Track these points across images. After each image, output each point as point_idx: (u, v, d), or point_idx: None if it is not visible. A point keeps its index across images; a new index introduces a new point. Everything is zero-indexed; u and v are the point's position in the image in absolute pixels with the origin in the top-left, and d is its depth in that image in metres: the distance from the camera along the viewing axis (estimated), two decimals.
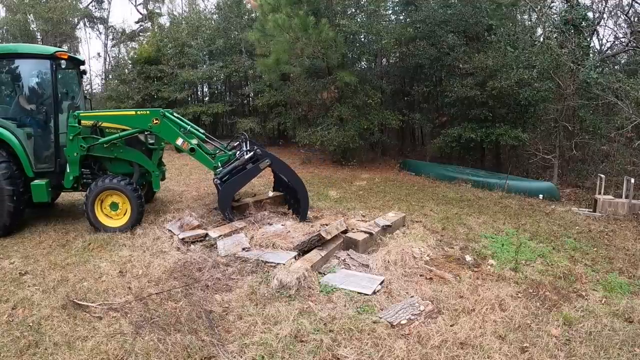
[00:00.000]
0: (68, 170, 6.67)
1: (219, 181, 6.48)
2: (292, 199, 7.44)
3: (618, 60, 14.49)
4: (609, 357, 3.45)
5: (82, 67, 7.60)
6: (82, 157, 6.61)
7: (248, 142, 7.33)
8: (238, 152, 6.72)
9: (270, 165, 6.58)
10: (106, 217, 6.44)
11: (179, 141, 6.56)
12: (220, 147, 7.53)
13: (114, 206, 6.41)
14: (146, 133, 6.89)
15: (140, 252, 5.68)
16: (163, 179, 7.60)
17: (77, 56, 7.49)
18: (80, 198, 7.84)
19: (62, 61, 6.56)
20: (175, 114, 7.32)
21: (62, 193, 7.83)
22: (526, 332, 3.77)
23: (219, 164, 6.77)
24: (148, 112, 6.66)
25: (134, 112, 6.72)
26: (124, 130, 6.64)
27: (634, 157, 11.24)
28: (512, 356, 3.43)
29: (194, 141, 6.96)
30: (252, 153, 6.48)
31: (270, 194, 8.14)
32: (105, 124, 6.63)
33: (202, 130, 7.64)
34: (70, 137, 6.48)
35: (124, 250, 5.70)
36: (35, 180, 6.51)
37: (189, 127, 7.12)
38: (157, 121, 6.46)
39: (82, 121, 6.52)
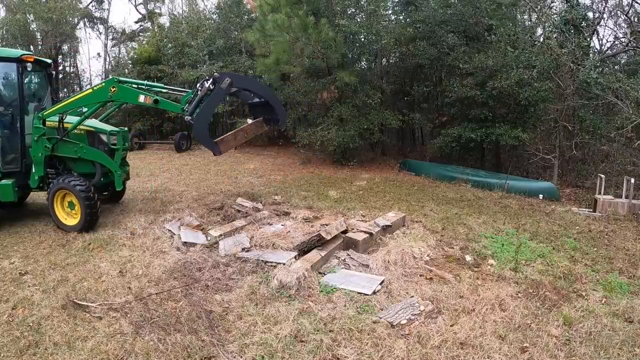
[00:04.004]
0: (34, 171, 6.83)
1: (189, 117, 6.38)
2: (267, 112, 7.27)
3: (618, 60, 14.47)
4: (609, 357, 3.45)
5: (49, 70, 7.68)
6: (47, 157, 6.76)
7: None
8: (199, 85, 6.67)
9: (231, 83, 6.45)
10: (66, 215, 6.60)
11: (141, 98, 6.53)
12: (183, 90, 7.61)
13: (71, 205, 6.53)
14: (110, 131, 7.03)
15: (140, 252, 5.68)
16: (127, 178, 7.68)
17: (43, 59, 7.61)
18: None
19: (28, 64, 6.68)
20: (128, 78, 7.39)
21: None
22: (526, 332, 3.77)
23: (185, 105, 6.65)
24: (103, 84, 6.60)
25: (91, 90, 6.72)
26: (88, 128, 6.86)
27: (634, 157, 11.24)
28: (512, 356, 3.43)
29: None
30: (211, 79, 6.38)
31: (249, 120, 7.85)
32: (68, 125, 6.71)
33: (159, 85, 7.86)
34: (35, 138, 6.63)
35: (124, 250, 5.71)
36: (2, 180, 6.66)
37: (145, 86, 7.26)
38: (114, 89, 6.39)
39: (47, 122, 6.66)
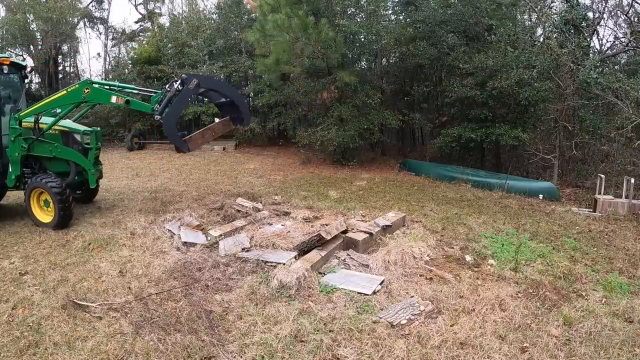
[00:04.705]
0: (10, 170, 7.03)
1: (159, 116, 6.68)
2: (233, 111, 7.61)
3: (618, 60, 14.48)
4: (609, 357, 3.45)
5: (23, 72, 7.77)
6: (23, 157, 6.96)
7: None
8: (168, 86, 7.00)
9: (198, 84, 6.75)
10: (42, 212, 6.79)
11: (114, 99, 6.82)
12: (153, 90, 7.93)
13: (47, 203, 6.73)
14: (83, 131, 7.32)
15: (140, 252, 5.68)
16: (100, 177, 7.90)
17: (19, 61, 7.76)
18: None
19: (4, 67, 6.98)
20: (101, 80, 7.69)
21: None
22: (526, 332, 3.77)
23: (155, 105, 6.91)
24: (77, 85, 6.85)
25: (65, 92, 6.90)
26: (62, 129, 7.11)
27: (634, 157, 11.24)
28: (512, 356, 3.43)
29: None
30: (179, 80, 6.73)
31: (217, 119, 8.24)
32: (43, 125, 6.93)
33: (130, 86, 8.23)
34: (12, 138, 6.84)
35: (124, 250, 5.71)
36: None
37: (117, 87, 7.54)
38: (87, 90, 6.66)
39: (23, 122, 6.84)
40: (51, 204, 6.60)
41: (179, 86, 6.62)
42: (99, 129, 7.69)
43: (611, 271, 5.43)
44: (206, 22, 22.13)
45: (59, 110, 7.02)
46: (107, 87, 7.34)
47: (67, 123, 7.37)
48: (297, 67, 14.43)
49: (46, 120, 6.99)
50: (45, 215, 6.75)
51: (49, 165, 7.18)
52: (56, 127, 6.99)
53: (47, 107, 6.90)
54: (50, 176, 6.78)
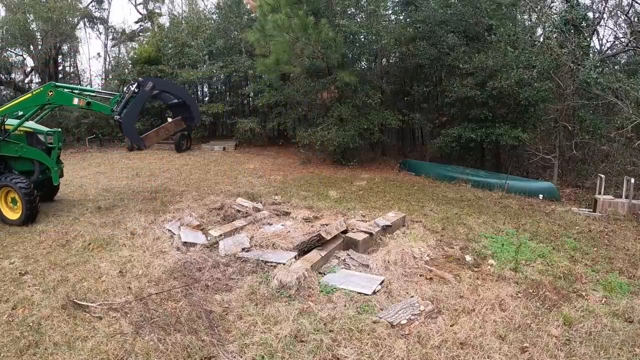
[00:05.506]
0: None
1: (118, 116, 7.16)
2: (184, 111, 8.15)
3: (618, 60, 14.48)
4: (609, 357, 3.45)
5: None
6: None
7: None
8: (126, 88, 7.56)
9: (154, 86, 7.35)
10: (10, 210, 7.05)
11: (75, 100, 7.29)
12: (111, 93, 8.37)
13: (14, 201, 7.00)
14: (47, 131, 7.74)
15: (140, 252, 5.68)
16: (61, 175, 8.21)
17: None
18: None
19: None
20: (62, 84, 8.36)
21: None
22: (526, 332, 3.77)
23: (114, 106, 7.36)
24: (42, 88, 7.31)
25: (30, 94, 7.33)
26: (27, 129, 7.41)
27: (634, 157, 11.24)
28: (512, 356, 3.43)
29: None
30: (136, 83, 7.31)
31: (169, 119, 8.79)
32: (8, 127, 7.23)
33: (91, 88, 8.99)
34: None
35: (124, 250, 5.71)
36: None
37: (78, 90, 7.95)
38: (51, 93, 7.11)
39: None
40: (19, 202, 6.87)
41: (136, 89, 7.20)
42: (60, 130, 8.16)
43: (611, 271, 5.42)
44: (206, 22, 22.12)
45: (20, 113, 7.36)
46: (70, 90, 7.73)
47: (31, 124, 7.71)
48: (297, 67, 14.43)
49: (12, 122, 7.31)
50: (12, 213, 7.00)
51: (14, 165, 7.50)
52: (21, 128, 7.31)
53: (14, 109, 7.29)
54: (18, 176, 7.08)
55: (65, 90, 7.53)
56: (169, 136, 8.85)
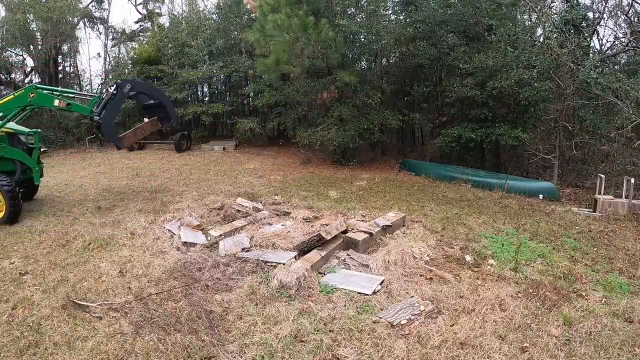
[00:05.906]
0: None
1: (97, 117, 7.38)
2: (160, 112, 8.52)
3: (618, 60, 14.49)
4: (609, 357, 3.45)
5: None
6: None
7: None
8: (105, 90, 7.80)
9: (132, 88, 7.66)
10: None
11: (56, 102, 7.49)
12: (90, 94, 8.66)
13: None
14: (27, 132, 7.97)
15: (140, 252, 5.67)
16: (41, 175, 8.38)
17: None
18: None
19: None
20: (44, 85, 8.75)
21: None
22: (526, 332, 3.77)
23: (94, 107, 7.60)
24: (23, 90, 7.46)
25: (12, 96, 7.47)
26: (8, 130, 7.52)
27: (634, 157, 11.24)
28: (512, 356, 3.43)
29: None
30: (115, 85, 7.59)
31: (146, 119, 9.21)
32: None
33: (70, 90, 9.18)
34: None
35: (124, 250, 5.71)
36: None
37: (59, 92, 8.09)
38: (33, 94, 7.28)
39: None
40: (2, 202, 6.93)
41: (114, 90, 7.45)
42: (39, 130, 8.37)
43: (611, 271, 5.42)
44: (206, 22, 22.11)
45: (1, 114, 7.46)
46: (50, 92, 7.88)
47: (12, 125, 7.82)
48: (297, 67, 14.43)
49: None
50: None
51: None
52: (2, 129, 7.41)
53: None
54: (1, 176, 7.13)
55: (46, 92, 7.68)
56: (145, 135, 9.45)
